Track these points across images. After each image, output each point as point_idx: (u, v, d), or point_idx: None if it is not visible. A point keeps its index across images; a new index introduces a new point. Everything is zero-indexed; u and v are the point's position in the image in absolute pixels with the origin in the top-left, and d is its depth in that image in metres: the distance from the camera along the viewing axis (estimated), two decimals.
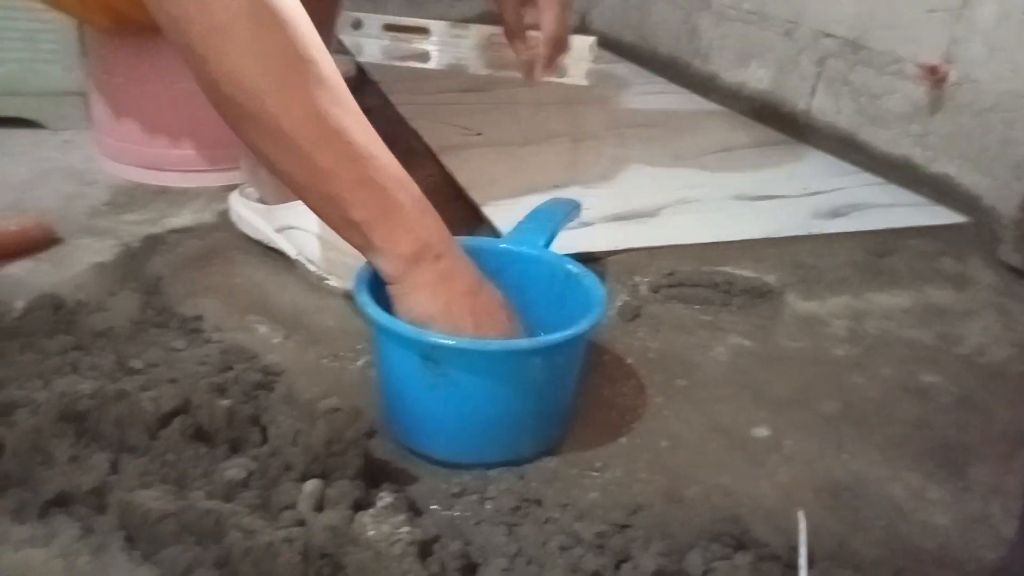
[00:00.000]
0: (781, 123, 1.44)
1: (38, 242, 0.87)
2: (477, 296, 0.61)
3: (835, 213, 1.09)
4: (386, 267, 0.60)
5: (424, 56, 1.82)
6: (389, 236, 0.59)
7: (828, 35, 1.37)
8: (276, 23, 0.55)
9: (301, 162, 0.58)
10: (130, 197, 1.01)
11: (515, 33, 1.01)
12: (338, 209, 0.59)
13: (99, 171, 1.07)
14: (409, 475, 0.60)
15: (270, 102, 0.56)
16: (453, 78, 1.63)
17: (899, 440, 0.69)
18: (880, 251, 1.00)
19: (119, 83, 1.03)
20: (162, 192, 1.03)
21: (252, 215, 0.89)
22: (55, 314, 0.73)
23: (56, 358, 0.66)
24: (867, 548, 0.57)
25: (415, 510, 0.55)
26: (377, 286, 0.61)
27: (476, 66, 1.59)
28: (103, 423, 0.57)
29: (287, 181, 0.60)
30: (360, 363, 0.73)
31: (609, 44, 1.96)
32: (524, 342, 0.57)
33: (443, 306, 0.59)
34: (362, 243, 0.60)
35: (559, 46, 0.99)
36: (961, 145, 1.15)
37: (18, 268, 0.83)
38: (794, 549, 0.53)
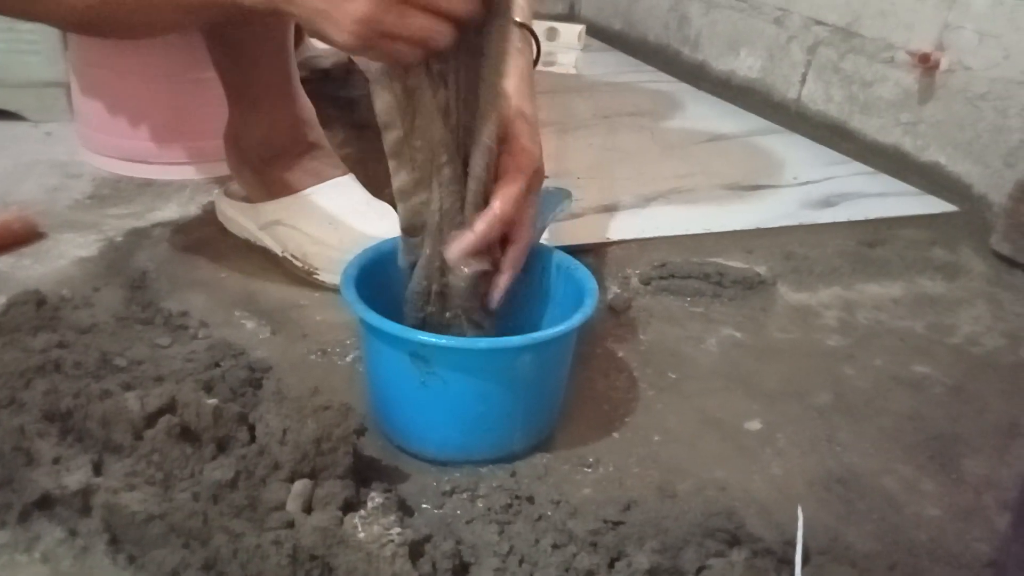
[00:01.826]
0: (771, 112, 1.43)
1: (20, 236, 0.86)
2: None
3: (825, 203, 1.09)
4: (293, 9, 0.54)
5: None
6: None
7: (819, 22, 1.37)
8: None
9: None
10: (114, 190, 1.00)
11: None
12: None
13: (82, 164, 1.05)
14: (399, 473, 0.59)
15: None
16: None
17: (891, 432, 0.68)
18: (871, 241, 1.00)
19: (102, 74, 1.01)
20: (147, 185, 1.01)
21: (237, 214, 0.87)
22: (38, 310, 0.72)
23: (39, 356, 0.64)
24: (861, 541, 0.56)
25: (406, 509, 0.55)
26: (365, 284, 0.60)
27: None
28: (87, 423, 0.56)
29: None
30: (349, 358, 0.72)
31: (598, 32, 1.95)
32: (514, 340, 0.57)
33: None
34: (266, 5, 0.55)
35: (513, 247, 0.61)
36: (952, 133, 1.15)
37: None
38: (789, 544, 0.53)
